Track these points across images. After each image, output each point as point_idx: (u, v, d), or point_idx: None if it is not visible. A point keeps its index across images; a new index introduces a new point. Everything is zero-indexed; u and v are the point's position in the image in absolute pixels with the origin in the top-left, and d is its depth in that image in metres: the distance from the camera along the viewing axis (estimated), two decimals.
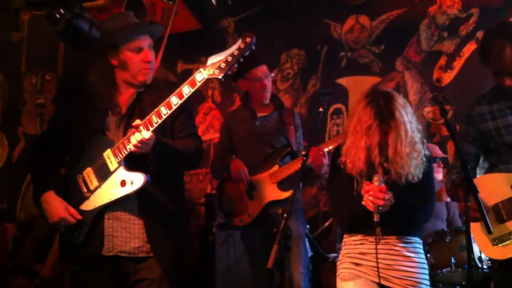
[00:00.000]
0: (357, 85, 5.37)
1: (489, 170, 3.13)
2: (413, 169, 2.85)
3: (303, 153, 3.23)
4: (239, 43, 2.69)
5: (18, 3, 4.40)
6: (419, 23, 5.41)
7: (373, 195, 2.74)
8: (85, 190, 2.89)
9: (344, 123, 5.34)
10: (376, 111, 2.85)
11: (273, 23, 5.83)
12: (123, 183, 2.79)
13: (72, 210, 2.88)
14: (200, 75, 2.69)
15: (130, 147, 2.74)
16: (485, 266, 3.90)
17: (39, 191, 2.96)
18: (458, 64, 5.24)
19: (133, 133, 2.74)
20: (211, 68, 2.67)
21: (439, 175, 4.62)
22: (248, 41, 2.68)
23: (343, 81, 5.14)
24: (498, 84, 3.16)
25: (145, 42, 2.94)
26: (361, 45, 5.65)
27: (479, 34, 5.19)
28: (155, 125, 2.74)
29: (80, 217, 2.88)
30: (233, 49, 2.68)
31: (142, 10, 4.29)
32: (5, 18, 5.03)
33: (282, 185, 4.10)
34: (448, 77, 5.27)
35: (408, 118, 2.86)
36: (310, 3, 5.75)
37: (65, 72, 5.71)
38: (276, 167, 4.13)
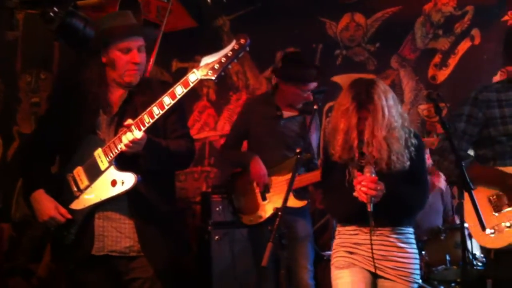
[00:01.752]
0: None
1: (483, 163, 3.13)
2: (394, 156, 2.84)
3: (298, 150, 3.22)
4: (233, 44, 2.67)
5: (13, 2, 4.38)
6: (414, 21, 5.42)
7: (366, 186, 2.75)
8: (75, 189, 2.89)
9: None
10: (354, 94, 2.88)
11: (268, 21, 5.82)
12: (113, 183, 2.78)
13: (62, 209, 2.87)
14: (194, 76, 2.68)
15: (122, 146, 2.73)
16: (479, 263, 3.91)
17: (29, 190, 2.95)
18: (453, 61, 5.25)
19: (125, 133, 2.72)
20: (204, 69, 2.66)
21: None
22: (242, 42, 2.67)
23: (338, 79, 5.14)
24: (508, 77, 3.19)
25: (135, 43, 2.92)
26: (356, 43, 5.65)
27: (474, 32, 5.21)
28: (147, 125, 2.73)
29: (69, 216, 2.87)
30: (227, 50, 2.66)
31: (137, 8, 4.28)
32: None
33: (298, 193, 4.05)
34: (443, 75, 5.28)
35: (388, 103, 2.86)
36: (305, 1, 5.75)
37: (59, 71, 5.70)
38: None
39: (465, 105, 3.16)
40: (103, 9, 4.35)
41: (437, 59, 5.31)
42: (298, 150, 3.35)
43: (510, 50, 3.21)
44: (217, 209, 4.98)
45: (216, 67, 2.64)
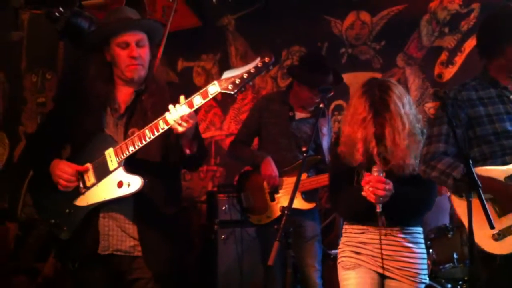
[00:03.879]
0: (358, 82, 5.32)
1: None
2: (413, 160, 2.84)
3: (304, 149, 3.21)
4: (257, 61, 2.61)
5: (18, 2, 4.40)
6: (420, 19, 5.39)
7: (373, 186, 2.74)
8: (81, 185, 2.87)
9: None
10: (370, 102, 2.84)
11: (273, 20, 5.82)
12: (120, 184, 2.76)
13: (81, 167, 2.85)
14: (214, 88, 2.62)
15: (175, 126, 2.65)
16: None
17: (43, 169, 2.91)
18: (459, 59, 5.23)
19: (139, 133, 2.69)
20: (225, 83, 2.60)
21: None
22: (266, 60, 2.61)
23: (344, 77, 5.12)
24: (483, 75, 3.12)
25: (133, 37, 2.87)
26: (362, 41, 5.63)
27: None
28: (161, 131, 2.69)
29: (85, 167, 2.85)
30: (250, 66, 2.61)
31: (142, 8, 4.28)
32: (5, 17, 5.02)
33: (307, 195, 4.05)
34: (449, 73, 5.25)
35: (405, 110, 2.84)
36: None
37: (65, 70, 5.71)
38: (304, 176, 4.06)
39: (449, 107, 3.09)
40: (108, 9, 4.36)
41: (443, 57, 5.28)
42: (304, 149, 3.33)
43: (493, 48, 3.16)
44: (223, 208, 4.98)
45: (237, 82, 2.59)
